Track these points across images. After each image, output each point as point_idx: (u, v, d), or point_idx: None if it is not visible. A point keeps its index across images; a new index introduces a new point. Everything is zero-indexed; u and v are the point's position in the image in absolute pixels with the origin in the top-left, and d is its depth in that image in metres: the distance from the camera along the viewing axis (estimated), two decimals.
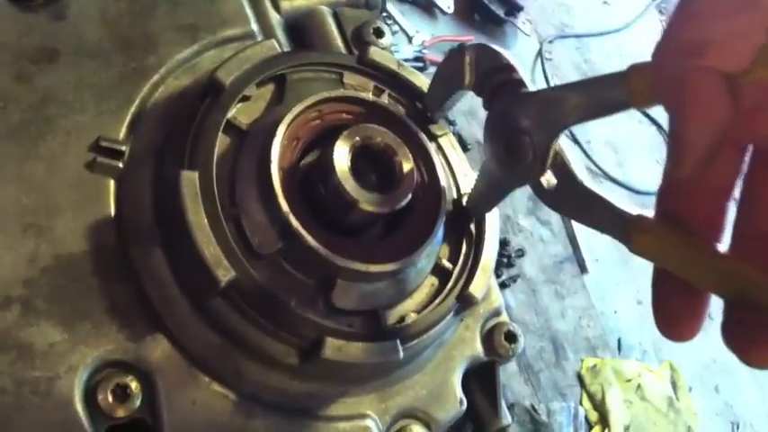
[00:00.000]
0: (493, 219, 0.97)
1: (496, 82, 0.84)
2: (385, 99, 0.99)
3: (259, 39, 1.02)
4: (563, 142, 0.79)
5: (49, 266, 0.81)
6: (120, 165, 0.87)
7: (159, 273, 0.84)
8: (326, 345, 0.81)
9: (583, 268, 3.17)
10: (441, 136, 1.00)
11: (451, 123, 2.72)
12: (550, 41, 3.71)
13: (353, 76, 0.99)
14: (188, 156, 0.84)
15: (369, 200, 0.83)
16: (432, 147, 0.95)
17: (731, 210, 0.64)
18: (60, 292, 0.80)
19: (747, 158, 0.62)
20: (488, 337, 1.02)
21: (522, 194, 2.88)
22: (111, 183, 0.87)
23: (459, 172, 1.00)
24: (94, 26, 0.93)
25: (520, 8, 3.34)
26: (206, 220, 0.80)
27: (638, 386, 3.30)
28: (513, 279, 2.79)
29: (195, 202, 0.80)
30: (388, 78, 1.00)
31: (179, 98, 0.93)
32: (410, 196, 0.86)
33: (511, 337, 1.02)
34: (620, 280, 3.31)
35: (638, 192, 3.71)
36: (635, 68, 0.65)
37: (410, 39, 3.04)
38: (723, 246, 0.62)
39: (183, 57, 0.96)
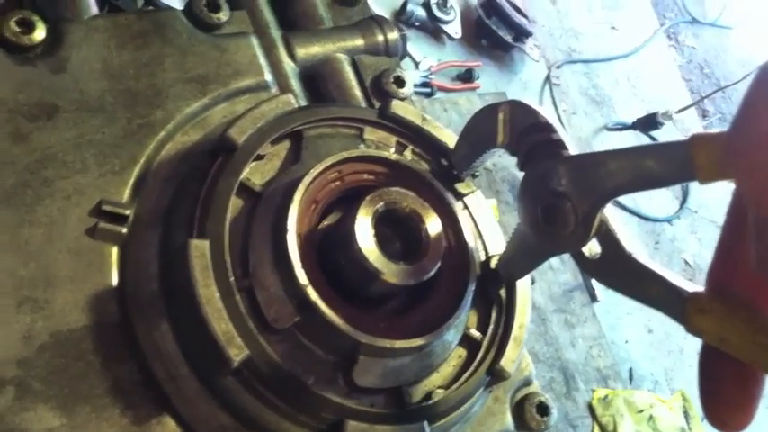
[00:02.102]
0: (525, 285, 0.91)
1: (533, 142, 0.77)
2: (408, 155, 0.93)
3: (273, 89, 0.96)
4: (609, 210, 0.73)
5: (47, 344, 0.74)
6: (124, 230, 0.81)
7: (166, 348, 0.77)
8: (347, 428, 0.75)
9: (593, 297, 3.12)
10: (467, 194, 0.94)
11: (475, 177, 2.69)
12: (558, 67, 3.67)
13: (375, 131, 0.92)
14: (198, 222, 0.78)
15: (394, 271, 0.77)
16: (458, 207, 0.89)
17: None
18: (58, 372, 0.74)
19: None
20: (519, 410, 0.95)
21: None
22: (114, 250, 0.81)
23: (488, 232, 0.94)
24: (97, 79, 0.87)
25: (528, 34, 3.31)
26: (217, 294, 0.73)
27: (651, 417, 3.24)
28: None
29: (205, 274, 0.74)
30: (412, 133, 0.94)
31: (188, 156, 0.86)
32: (438, 266, 0.80)
33: (543, 410, 0.95)
34: (631, 308, 3.26)
35: (647, 218, 3.66)
36: (700, 139, 0.59)
37: (417, 64, 3.01)
38: None
39: (192, 111, 0.90)
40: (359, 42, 1.06)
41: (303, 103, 0.99)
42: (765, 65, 0.54)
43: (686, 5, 4.52)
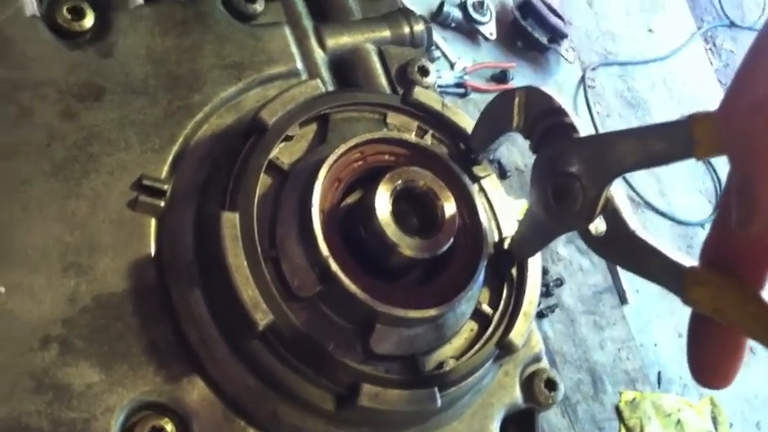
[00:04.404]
0: (535, 263, 0.95)
1: (546, 125, 0.82)
2: (428, 139, 0.98)
3: (304, 77, 1.02)
4: (616, 188, 0.77)
5: (89, 306, 0.81)
6: (162, 203, 0.87)
7: (198, 313, 0.83)
8: (363, 392, 0.80)
9: (623, 299, 3.13)
10: (483, 177, 0.99)
11: (492, 162, 2.73)
12: (593, 69, 3.68)
13: (397, 116, 0.98)
14: (229, 196, 0.84)
15: (410, 245, 0.82)
16: (474, 189, 0.94)
17: None
18: (99, 331, 0.80)
19: None
20: (528, 384, 1.00)
21: None
22: (153, 221, 0.87)
23: (502, 214, 0.99)
24: (141, 64, 0.94)
25: (564, 35, 3.33)
26: (245, 262, 0.79)
27: (678, 421, 3.24)
28: (552, 309, 2.76)
29: (235, 244, 0.80)
30: (432, 118, 0.99)
31: (222, 137, 0.93)
32: (452, 241, 0.85)
33: (551, 385, 0.99)
34: (661, 312, 3.26)
35: (680, 222, 3.65)
36: (697, 118, 0.64)
37: (452, 65, 3.05)
38: None
39: (227, 95, 0.96)
40: (386, 33, 1.11)
41: (331, 89, 1.04)
42: (762, 32, 0.59)
43: (724, 9, 4.49)
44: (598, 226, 0.78)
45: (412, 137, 0.94)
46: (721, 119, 0.61)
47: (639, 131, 0.71)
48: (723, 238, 0.65)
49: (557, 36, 3.33)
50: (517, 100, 0.86)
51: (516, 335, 0.91)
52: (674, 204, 3.70)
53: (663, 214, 3.61)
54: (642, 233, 0.74)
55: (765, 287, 0.62)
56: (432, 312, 0.84)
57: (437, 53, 2.98)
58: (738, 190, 0.60)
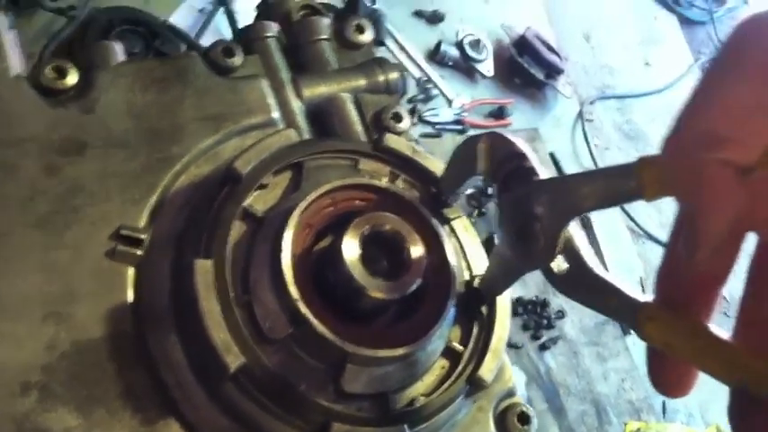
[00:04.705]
0: (504, 301, 0.98)
1: (509, 169, 0.85)
2: (400, 184, 1.01)
3: (280, 126, 1.06)
4: (575, 229, 0.80)
5: (68, 352, 0.84)
6: (139, 252, 0.91)
7: (174, 358, 0.86)
8: (333, 430, 0.83)
9: (625, 330, 3.12)
10: (454, 219, 1.02)
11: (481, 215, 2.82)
12: (591, 103, 3.71)
13: (369, 162, 1.01)
14: (204, 243, 0.88)
15: (377, 287, 0.85)
16: (444, 231, 0.97)
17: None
18: (77, 377, 0.84)
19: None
20: (501, 419, 1.01)
21: None
22: (131, 270, 0.91)
23: (472, 254, 1.02)
24: (122, 118, 0.98)
25: (560, 71, 3.37)
26: (218, 307, 0.83)
27: None
28: (554, 341, 2.77)
29: (208, 290, 0.83)
30: (403, 163, 1.02)
31: (200, 186, 0.97)
32: (419, 282, 0.88)
33: (524, 419, 1.01)
34: None
35: None
36: (645, 161, 0.67)
37: (450, 102, 3.09)
38: (727, 334, 0.64)
39: (205, 146, 1.01)
40: (361, 82, 1.15)
41: (308, 137, 1.08)
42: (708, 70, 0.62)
43: (721, 42, 4.53)
44: (560, 265, 0.81)
45: (382, 182, 0.98)
46: (666, 160, 0.64)
47: (595, 173, 0.75)
48: (674, 273, 0.68)
49: (553, 72, 3.38)
50: (481, 145, 0.89)
51: (485, 371, 0.93)
52: None
53: (664, 245, 3.61)
54: (601, 271, 0.77)
55: (712, 321, 0.65)
56: (400, 352, 0.86)
57: (435, 91, 3.04)
58: (680, 225, 0.63)
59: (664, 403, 3.18)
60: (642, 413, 3.10)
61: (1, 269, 0.85)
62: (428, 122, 2.96)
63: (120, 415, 0.83)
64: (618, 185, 0.71)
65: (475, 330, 0.97)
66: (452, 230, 1.02)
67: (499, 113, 3.19)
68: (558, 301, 2.88)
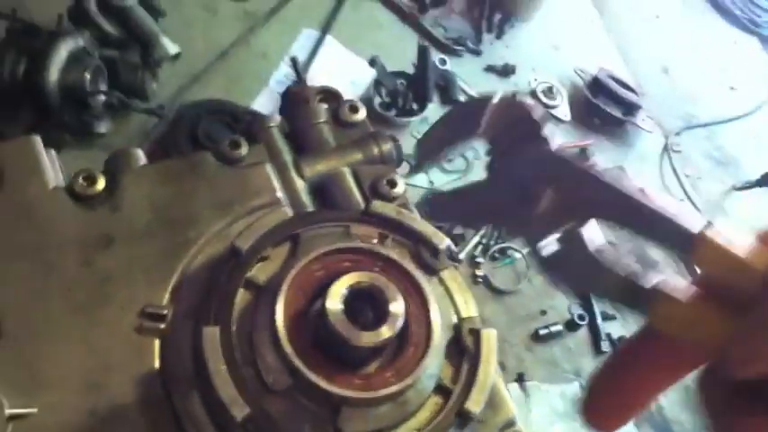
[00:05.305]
0: (491, 339, 1.08)
1: (522, 132, 0.87)
2: (389, 243, 1.14)
3: (285, 204, 1.21)
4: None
5: (107, 417, 1.00)
6: (162, 326, 1.06)
7: (196, 414, 1.01)
8: None
9: None
10: (442, 270, 1.14)
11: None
12: (677, 134, 3.69)
13: (359, 227, 1.14)
14: (213, 313, 1.02)
15: (359, 337, 0.98)
16: (428, 281, 1.09)
17: None
18: None
19: None
20: None
21: None
22: (157, 341, 1.06)
23: (460, 301, 1.13)
24: (144, 213, 1.15)
25: (638, 107, 3.39)
26: (224, 367, 0.97)
27: None
28: None
29: (215, 352, 0.97)
30: (391, 225, 1.15)
31: (212, 264, 1.12)
32: (398, 329, 1.00)
33: None
34: None
35: None
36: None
37: None
38: None
39: (218, 228, 1.16)
40: (358, 156, 1.29)
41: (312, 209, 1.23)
42: None
43: None
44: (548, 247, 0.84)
45: (366, 243, 1.10)
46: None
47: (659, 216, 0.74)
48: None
49: (631, 108, 3.39)
50: (492, 107, 0.89)
51: (473, 404, 1.03)
52: None
53: None
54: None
55: None
56: (385, 392, 0.98)
57: None
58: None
59: None
60: None
61: (47, 350, 1.02)
62: None
63: None
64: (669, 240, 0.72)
65: (464, 367, 1.08)
66: (441, 280, 1.13)
67: (582, 156, 3.22)
68: None
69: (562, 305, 2.78)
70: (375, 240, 1.14)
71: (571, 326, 2.64)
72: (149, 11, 2.46)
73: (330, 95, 1.44)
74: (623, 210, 0.74)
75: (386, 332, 0.99)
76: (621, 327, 2.78)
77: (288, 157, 1.28)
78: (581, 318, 2.65)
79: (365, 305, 1.03)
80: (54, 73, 2.08)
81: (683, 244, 0.69)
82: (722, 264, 0.61)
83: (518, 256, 2.79)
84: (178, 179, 1.19)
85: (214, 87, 2.98)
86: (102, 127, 2.21)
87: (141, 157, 1.22)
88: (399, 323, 1.00)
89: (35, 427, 0.97)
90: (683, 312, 0.64)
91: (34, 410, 0.98)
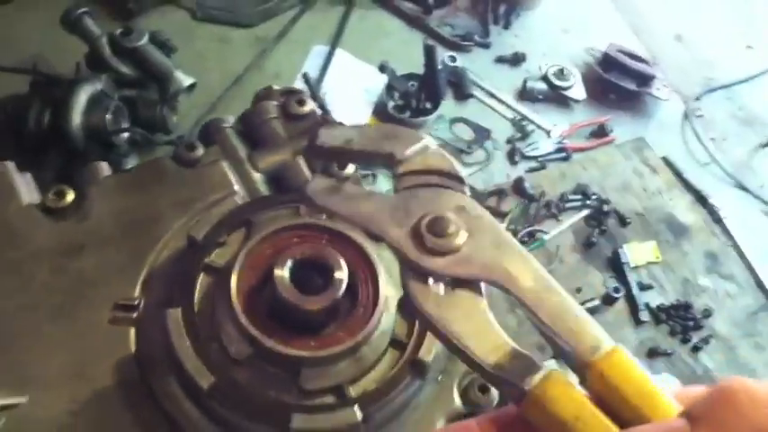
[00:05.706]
0: None
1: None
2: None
3: (241, 196, 1.31)
4: None
5: (90, 402, 1.09)
6: (135, 315, 1.16)
7: (172, 391, 1.10)
8: (294, 419, 1.04)
9: None
10: None
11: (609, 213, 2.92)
12: (697, 98, 3.67)
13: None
14: (176, 297, 1.12)
15: (305, 302, 1.06)
16: (377, 248, 1.17)
17: None
18: (98, 417, 1.09)
19: None
20: (466, 393, 1.18)
21: (698, 255, 2.90)
22: (132, 330, 1.16)
23: None
24: (111, 219, 1.25)
25: (651, 77, 3.39)
26: (188, 343, 1.06)
27: None
28: (706, 340, 2.67)
29: (179, 330, 1.07)
30: None
31: (175, 257, 1.22)
32: (341, 293, 1.08)
33: (484, 389, 1.18)
34: None
35: None
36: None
37: (548, 133, 3.17)
38: None
39: (181, 224, 1.26)
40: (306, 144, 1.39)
41: None
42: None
43: None
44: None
45: (304, 219, 1.19)
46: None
47: None
48: None
49: (645, 79, 3.39)
50: None
51: (424, 353, 1.11)
52: None
53: None
54: None
55: None
56: (336, 350, 1.07)
57: (531, 126, 3.12)
58: None
59: None
60: None
61: (34, 353, 1.12)
62: (531, 157, 3.03)
63: None
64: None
65: (417, 323, 1.16)
66: None
67: (601, 131, 3.22)
68: (701, 301, 2.80)
69: (597, 280, 2.80)
70: (324, 216, 1.23)
71: (608, 300, 2.66)
72: (161, 48, 2.58)
73: (292, 93, 1.54)
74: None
75: (330, 296, 1.08)
76: (659, 295, 2.79)
77: (242, 152, 1.37)
78: (616, 290, 2.68)
79: (312, 274, 1.12)
80: (76, 117, 2.21)
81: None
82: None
83: (547, 237, 2.83)
84: (140, 185, 1.30)
85: (232, 112, 3.06)
86: (129, 163, 2.34)
87: (105, 168, 1.33)
88: (342, 287, 1.09)
89: (25, 417, 1.07)
90: None
91: (24, 399, 1.08)
